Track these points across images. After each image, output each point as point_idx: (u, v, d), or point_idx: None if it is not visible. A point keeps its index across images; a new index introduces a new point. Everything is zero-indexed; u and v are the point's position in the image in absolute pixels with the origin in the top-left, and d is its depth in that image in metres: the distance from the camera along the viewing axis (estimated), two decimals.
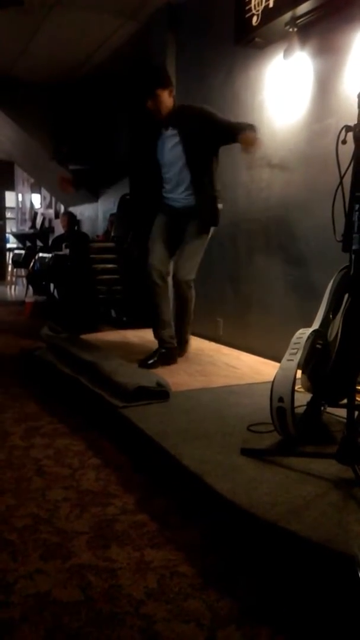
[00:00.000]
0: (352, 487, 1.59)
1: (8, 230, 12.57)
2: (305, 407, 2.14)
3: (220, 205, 3.15)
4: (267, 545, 1.47)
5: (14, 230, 12.02)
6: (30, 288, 7.40)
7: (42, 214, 9.94)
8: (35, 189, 10.23)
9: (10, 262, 10.06)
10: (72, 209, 8.08)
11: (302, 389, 2.13)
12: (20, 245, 10.58)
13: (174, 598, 1.34)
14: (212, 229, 3.20)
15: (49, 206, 9.65)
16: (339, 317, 2.00)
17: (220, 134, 3.03)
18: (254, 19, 3.19)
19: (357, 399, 1.80)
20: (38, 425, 2.64)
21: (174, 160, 3.14)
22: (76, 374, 2.98)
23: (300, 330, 2.07)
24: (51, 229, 9.40)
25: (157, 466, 2.03)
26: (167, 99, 3.10)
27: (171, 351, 3.23)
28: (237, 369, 3.16)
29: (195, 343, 3.33)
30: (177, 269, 3.18)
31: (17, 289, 9.77)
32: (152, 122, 3.19)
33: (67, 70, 6.18)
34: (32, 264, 6.97)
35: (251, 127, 2.89)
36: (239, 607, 1.31)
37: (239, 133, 2.85)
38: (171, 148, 3.14)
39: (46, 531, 1.66)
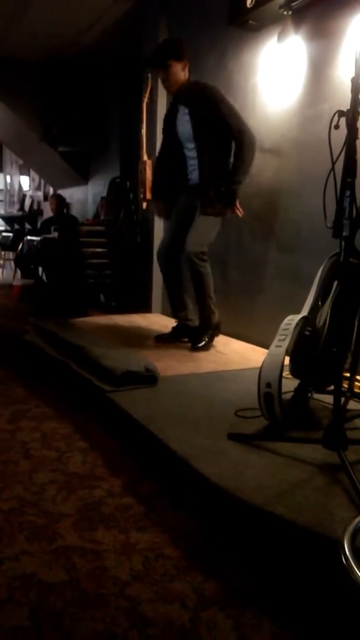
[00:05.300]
0: (337, 472, 1.60)
1: None
2: (292, 393, 2.15)
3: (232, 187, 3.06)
4: (252, 529, 1.48)
5: (2, 212, 11.87)
6: (18, 271, 7.33)
7: (31, 196, 9.83)
8: (23, 170, 10.09)
9: None
10: (61, 192, 7.99)
11: (289, 375, 2.14)
12: (8, 228, 10.46)
13: (159, 580, 1.35)
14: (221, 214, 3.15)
15: (37, 188, 9.53)
16: (327, 304, 2.01)
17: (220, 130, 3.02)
18: (248, 1, 3.14)
19: (344, 385, 1.81)
20: (25, 408, 2.63)
21: (187, 137, 3.14)
22: (64, 358, 2.96)
23: (289, 317, 2.08)
24: (40, 212, 9.30)
25: (145, 450, 2.04)
26: (179, 72, 3.09)
27: (183, 328, 3.38)
28: (225, 354, 3.16)
29: None
30: (185, 244, 3.17)
31: (4, 272, 9.67)
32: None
33: (57, 50, 6.07)
34: (20, 246, 6.90)
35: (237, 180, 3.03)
36: (224, 589, 1.32)
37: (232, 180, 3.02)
38: (184, 124, 3.13)
39: (32, 513, 1.66)
